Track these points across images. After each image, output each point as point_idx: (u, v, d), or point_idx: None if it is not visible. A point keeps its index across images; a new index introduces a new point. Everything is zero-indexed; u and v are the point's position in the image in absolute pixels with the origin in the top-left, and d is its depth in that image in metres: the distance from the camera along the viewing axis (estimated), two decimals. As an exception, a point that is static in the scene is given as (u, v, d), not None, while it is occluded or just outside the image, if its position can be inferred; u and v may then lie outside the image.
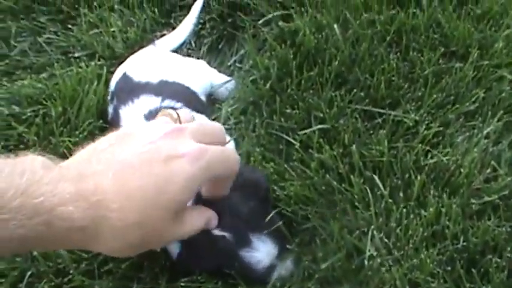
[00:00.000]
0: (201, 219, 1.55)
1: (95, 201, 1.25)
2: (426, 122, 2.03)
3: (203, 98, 2.27)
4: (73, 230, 1.23)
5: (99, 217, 1.26)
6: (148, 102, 2.08)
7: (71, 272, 1.84)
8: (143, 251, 1.44)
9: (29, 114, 2.18)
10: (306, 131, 2.00)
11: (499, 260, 1.74)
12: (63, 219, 1.20)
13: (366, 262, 1.72)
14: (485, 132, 2.01)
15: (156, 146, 1.30)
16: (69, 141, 2.08)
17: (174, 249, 1.86)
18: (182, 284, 1.82)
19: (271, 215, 1.77)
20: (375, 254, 1.74)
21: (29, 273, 1.85)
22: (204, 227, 1.58)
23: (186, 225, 1.47)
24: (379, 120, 2.06)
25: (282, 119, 2.05)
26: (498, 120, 2.04)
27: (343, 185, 1.87)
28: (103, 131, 2.17)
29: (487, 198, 1.85)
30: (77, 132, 2.11)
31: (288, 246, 1.80)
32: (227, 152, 1.51)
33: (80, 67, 2.30)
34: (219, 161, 1.45)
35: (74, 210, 1.22)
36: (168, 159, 1.28)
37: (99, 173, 1.29)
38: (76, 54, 2.42)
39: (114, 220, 1.27)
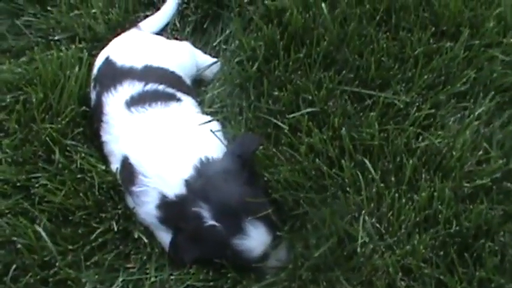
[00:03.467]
0: None
1: None
2: (417, 104, 1.98)
3: (188, 81, 2.22)
4: None
5: None
6: (130, 88, 2.03)
7: (57, 264, 1.81)
8: None
9: (8, 100, 2.11)
10: (294, 114, 1.95)
11: (491, 244, 1.72)
12: None
13: (358, 249, 1.69)
14: (476, 113, 1.97)
15: None
16: (51, 127, 2.02)
17: (165, 239, 1.83)
18: (172, 277, 1.80)
19: (263, 200, 1.76)
20: (367, 240, 1.70)
21: (13, 266, 1.81)
22: None
23: None
24: (369, 101, 2.01)
25: (270, 102, 2.00)
26: (490, 101, 2.00)
27: (333, 170, 1.83)
28: (85, 117, 2.13)
29: (479, 181, 1.81)
30: (59, 119, 2.05)
31: (279, 233, 1.77)
32: None
33: (61, 50, 2.23)
34: None
35: None
36: None
37: None
38: (56, 37, 2.35)
39: None
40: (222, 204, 1.73)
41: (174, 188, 1.80)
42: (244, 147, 1.82)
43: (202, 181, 1.78)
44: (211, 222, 1.72)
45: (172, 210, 1.80)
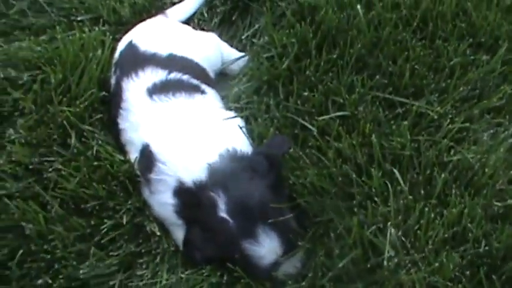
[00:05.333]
0: None
1: None
2: (450, 116, 1.91)
3: (212, 74, 2.15)
4: None
5: None
6: (153, 75, 1.96)
7: (66, 255, 1.75)
8: None
9: (25, 79, 2.03)
10: (325, 116, 1.87)
11: (521, 268, 1.65)
12: None
13: (385, 262, 1.61)
14: (511, 130, 1.89)
15: None
16: (69, 111, 1.94)
17: (180, 235, 1.77)
18: (182, 276, 1.73)
19: (282, 205, 1.69)
20: (393, 254, 1.63)
21: (20, 251, 1.74)
22: None
23: None
24: (400, 110, 1.93)
25: (299, 102, 1.92)
26: (525, 119, 1.93)
27: (362, 178, 1.76)
28: (104, 103, 2.05)
29: (510, 201, 1.74)
30: (78, 102, 1.97)
31: (298, 242, 1.70)
32: None
33: (83, 31, 2.15)
34: None
35: None
36: None
37: None
38: (79, 18, 2.26)
39: None
40: (240, 200, 1.67)
41: (194, 173, 1.73)
42: (274, 148, 1.76)
43: (226, 170, 1.71)
44: (224, 215, 1.65)
45: (189, 197, 1.73)
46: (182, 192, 1.74)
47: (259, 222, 1.65)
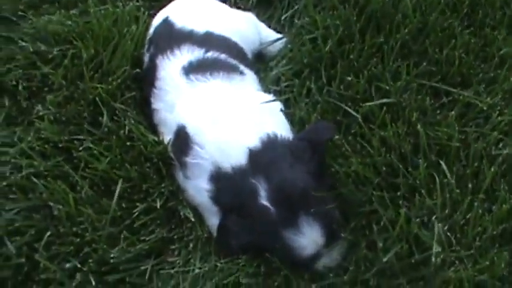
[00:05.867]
0: None
1: None
2: (499, 108, 1.82)
3: (249, 54, 2.06)
4: None
5: None
6: (189, 53, 1.88)
7: (95, 238, 1.67)
8: None
9: (55, 53, 1.95)
10: (370, 103, 1.78)
11: None
12: None
13: (433, 258, 1.53)
14: None
15: None
16: (101, 88, 1.86)
17: (214, 222, 1.68)
18: (217, 264, 1.65)
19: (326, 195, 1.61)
20: (439, 249, 1.55)
21: (48, 233, 1.66)
22: None
23: None
24: (446, 99, 1.85)
25: (342, 87, 1.84)
26: None
27: (408, 168, 1.67)
28: (137, 81, 1.97)
29: (563, 199, 1.66)
30: (110, 79, 1.89)
31: (340, 234, 1.63)
32: None
33: (117, 6, 2.07)
34: None
35: None
36: None
37: None
38: (112, -9, 2.18)
39: None
40: (282, 188, 1.58)
41: (233, 158, 1.64)
42: (317, 134, 1.67)
43: (268, 156, 1.63)
44: (265, 202, 1.57)
45: (226, 183, 1.64)
46: (219, 177, 1.65)
47: (302, 211, 1.56)
